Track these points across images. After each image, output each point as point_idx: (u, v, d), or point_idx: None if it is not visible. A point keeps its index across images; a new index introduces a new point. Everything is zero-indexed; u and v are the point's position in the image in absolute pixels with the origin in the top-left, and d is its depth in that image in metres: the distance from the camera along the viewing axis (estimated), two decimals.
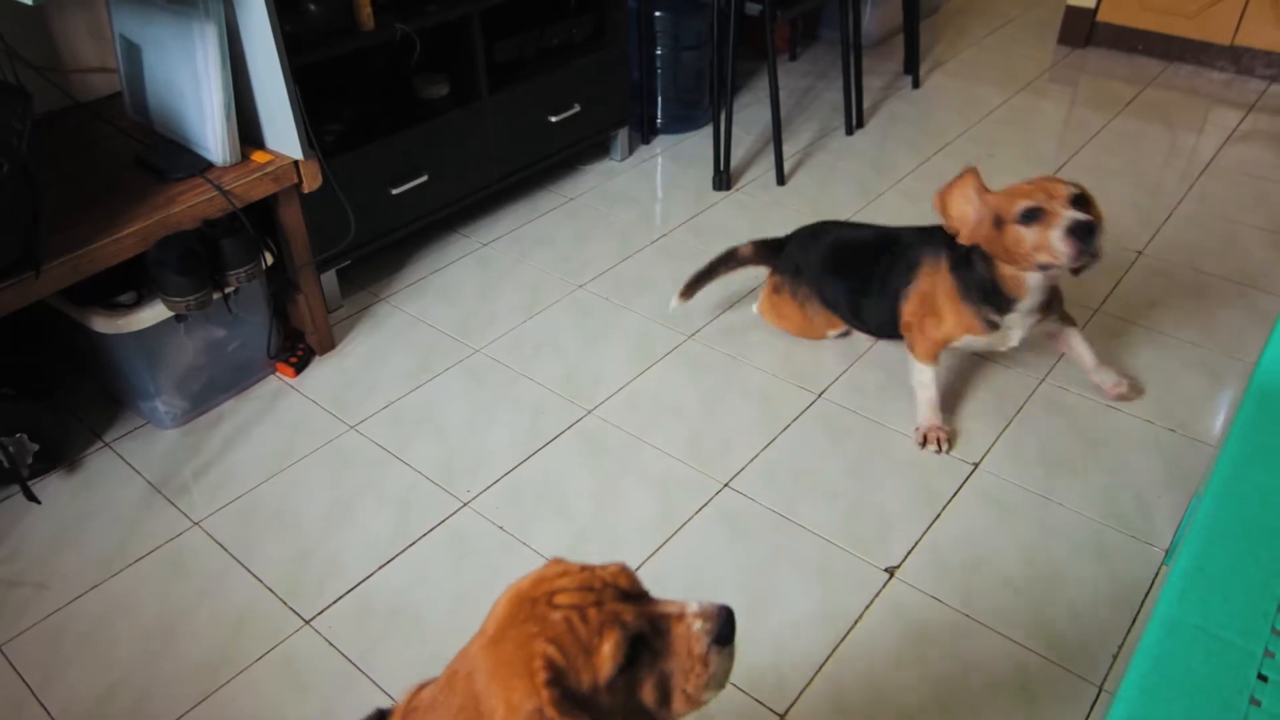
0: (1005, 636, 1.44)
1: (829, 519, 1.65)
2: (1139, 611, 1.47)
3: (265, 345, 1.96)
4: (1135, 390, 1.89)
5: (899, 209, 2.54)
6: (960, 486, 1.71)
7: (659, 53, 2.80)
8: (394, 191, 2.17)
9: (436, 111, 2.25)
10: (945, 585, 1.52)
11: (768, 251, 2.05)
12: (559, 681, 0.71)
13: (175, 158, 1.79)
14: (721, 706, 1.36)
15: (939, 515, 1.65)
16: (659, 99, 2.89)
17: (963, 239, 1.64)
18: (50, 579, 1.57)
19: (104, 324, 1.68)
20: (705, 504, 1.68)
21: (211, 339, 1.85)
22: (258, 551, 1.61)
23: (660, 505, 1.68)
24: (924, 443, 1.78)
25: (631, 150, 2.85)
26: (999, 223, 1.57)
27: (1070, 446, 1.78)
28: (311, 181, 1.84)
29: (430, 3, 2.11)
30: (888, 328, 1.88)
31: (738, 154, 2.83)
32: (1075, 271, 1.60)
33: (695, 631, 0.78)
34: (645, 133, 2.92)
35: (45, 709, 1.37)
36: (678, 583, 1.54)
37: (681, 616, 0.79)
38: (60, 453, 1.79)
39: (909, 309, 1.78)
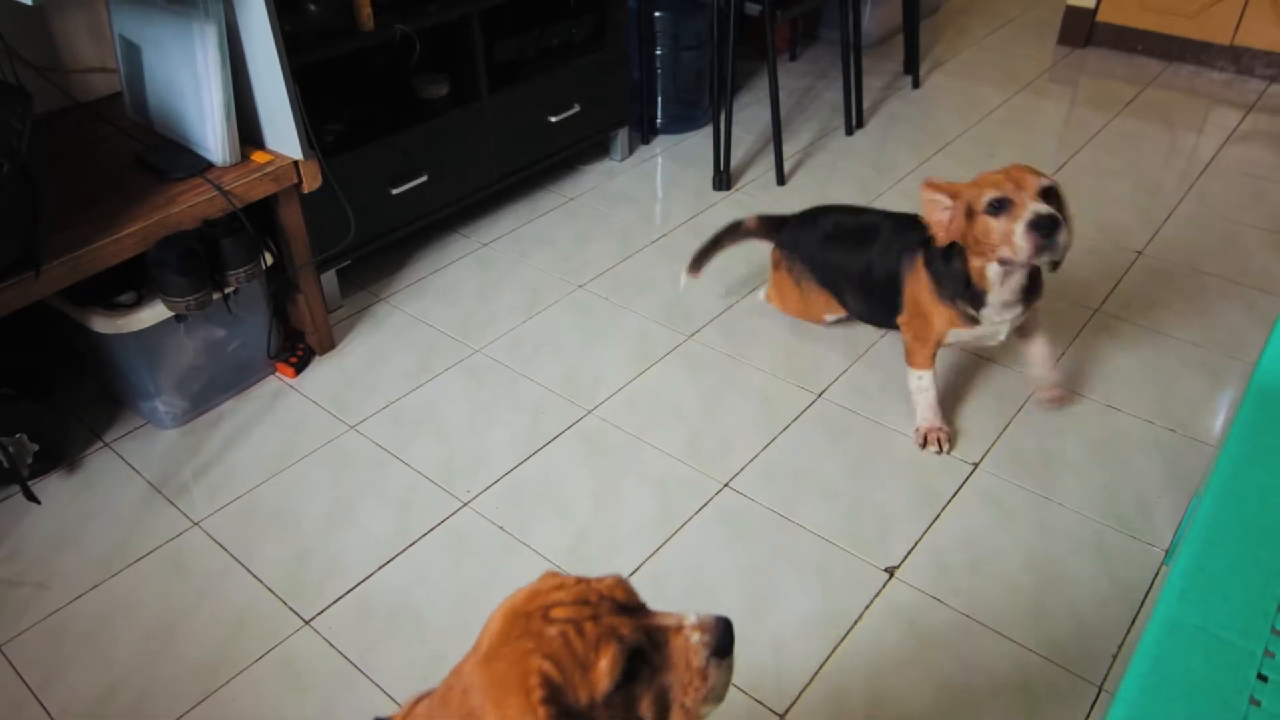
0: (1005, 636, 1.44)
1: (829, 519, 1.65)
2: (1139, 611, 1.47)
3: (265, 345, 1.96)
4: (1066, 402, 1.88)
5: (899, 209, 2.53)
6: (960, 486, 1.71)
7: (659, 53, 2.80)
8: (394, 191, 2.17)
9: (436, 111, 2.25)
10: (945, 585, 1.52)
11: (771, 226, 2.06)
12: (555, 699, 0.70)
13: (175, 158, 1.79)
14: (721, 707, 1.36)
15: (939, 515, 1.65)
16: (659, 99, 2.89)
17: (941, 241, 1.63)
18: (50, 579, 1.57)
19: (104, 324, 1.68)
20: (705, 504, 1.68)
21: (211, 339, 1.85)
22: (258, 551, 1.61)
23: (660, 505, 1.68)
24: (924, 443, 1.78)
25: (631, 150, 2.85)
26: (970, 213, 1.56)
27: (1070, 446, 1.78)
28: (311, 181, 1.84)
29: (430, 3, 2.11)
30: (867, 315, 1.90)
31: (738, 154, 2.83)
32: (1053, 267, 1.60)
33: (693, 644, 0.77)
34: (645, 133, 2.92)
35: (45, 709, 1.37)
36: (678, 583, 1.54)
37: (679, 629, 0.77)
38: (60, 453, 1.79)
39: (903, 318, 1.79)
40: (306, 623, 1.49)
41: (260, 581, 1.56)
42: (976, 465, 1.75)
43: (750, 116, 3.05)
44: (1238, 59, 3.28)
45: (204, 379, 1.87)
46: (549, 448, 1.81)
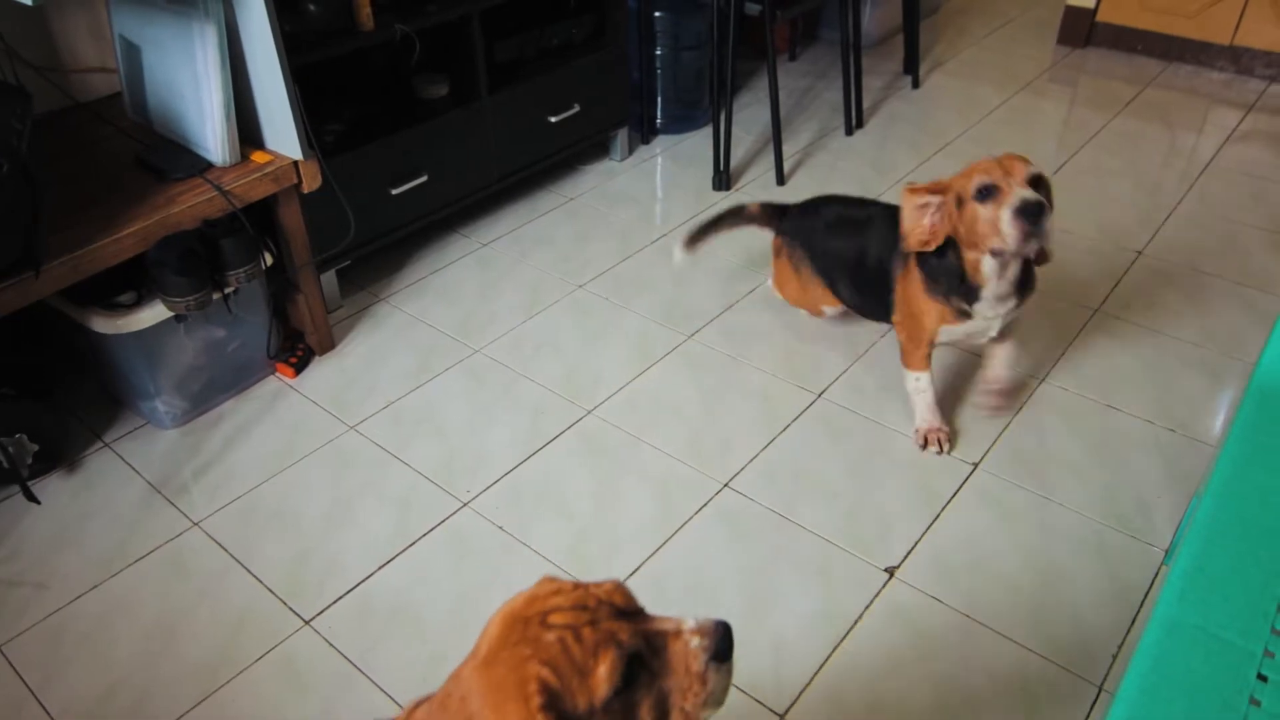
0: (1005, 636, 1.44)
1: (829, 519, 1.65)
2: (1139, 611, 1.47)
3: (265, 345, 1.96)
4: (1003, 411, 1.87)
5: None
6: (960, 486, 1.71)
7: (659, 53, 2.80)
8: (394, 191, 2.17)
9: (436, 111, 2.25)
10: (945, 585, 1.52)
11: (773, 214, 2.06)
12: (554, 705, 0.70)
13: (175, 158, 1.79)
14: (720, 709, 1.36)
15: (939, 515, 1.65)
16: (659, 99, 2.89)
17: (930, 245, 1.61)
18: (50, 579, 1.57)
19: (104, 324, 1.68)
20: (705, 504, 1.68)
21: (211, 339, 1.85)
22: (258, 551, 1.61)
23: (660, 505, 1.68)
24: (924, 444, 1.78)
25: (631, 150, 2.85)
26: (960, 202, 1.55)
27: (1070, 446, 1.78)
28: (311, 182, 1.84)
29: (430, 3, 2.11)
30: (860, 306, 1.90)
31: (738, 154, 2.83)
32: (1038, 261, 1.59)
33: (693, 649, 0.77)
34: (645, 133, 2.92)
35: (45, 709, 1.37)
36: (677, 583, 1.54)
37: (678, 633, 0.77)
38: (60, 453, 1.79)
39: (896, 318, 1.79)
40: (306, 623, 1.49)
41: (260, 581, 1.56)
42: (976, 465, 1.75)
43: (750, 116, 3.05)
44: (1237, 59, 3.28)
45: (204, 379, 1.87)
46: (549, 448, 1.81)
